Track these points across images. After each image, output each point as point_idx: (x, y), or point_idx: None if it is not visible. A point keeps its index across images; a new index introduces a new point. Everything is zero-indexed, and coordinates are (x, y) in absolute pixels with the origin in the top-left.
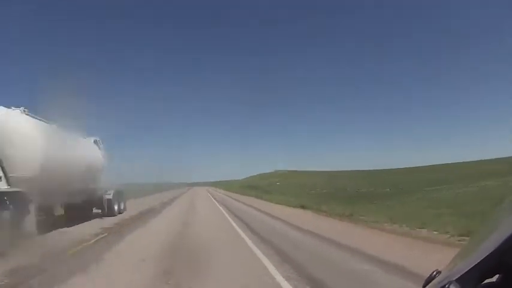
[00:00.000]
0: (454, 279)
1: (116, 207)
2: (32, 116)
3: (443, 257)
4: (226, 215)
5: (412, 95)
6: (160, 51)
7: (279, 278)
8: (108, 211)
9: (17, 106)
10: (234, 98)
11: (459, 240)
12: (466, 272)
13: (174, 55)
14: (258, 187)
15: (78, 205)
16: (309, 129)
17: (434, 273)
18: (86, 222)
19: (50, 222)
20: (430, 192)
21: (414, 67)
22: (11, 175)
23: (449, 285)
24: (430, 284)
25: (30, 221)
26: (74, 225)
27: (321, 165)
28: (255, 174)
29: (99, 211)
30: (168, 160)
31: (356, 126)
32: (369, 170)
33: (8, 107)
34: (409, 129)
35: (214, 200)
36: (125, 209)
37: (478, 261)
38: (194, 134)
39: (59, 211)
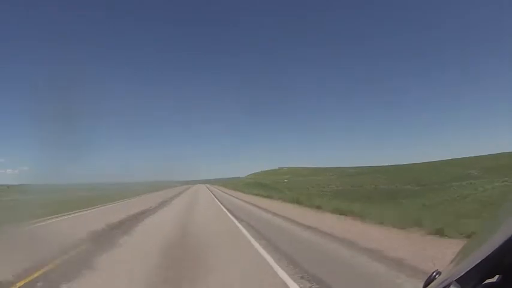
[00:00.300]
0: (454, 279)
1: None
2: None
3: None
4: None
5: (417, 89)
6: (161, 51)
7: None
8: None
9: None
10: (234, 95)
11: None
12: (466, 273)
13: (175, 54)
14: (266, 185)
15: None
16: (312, 127)
17: (435, 273)
18: None
19: None
20: (460, 188)
21: (421, 60)
22: None
23: (449, 286)
24: (430, 285)
25: None
26: None
27: (324, 163)
28: (258, 171)
29: None
30: (167, 159)
31: (358, 124)
32: (377, 166)
33: None
34: (416, 125)
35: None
36: None
37: (479, 261)
38: (194, 133)
39: None
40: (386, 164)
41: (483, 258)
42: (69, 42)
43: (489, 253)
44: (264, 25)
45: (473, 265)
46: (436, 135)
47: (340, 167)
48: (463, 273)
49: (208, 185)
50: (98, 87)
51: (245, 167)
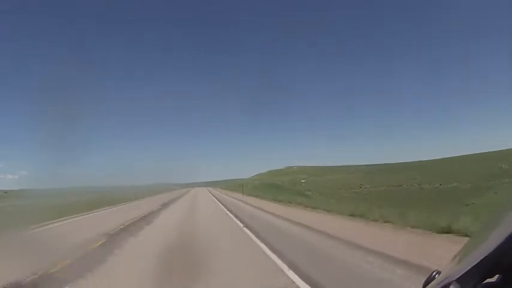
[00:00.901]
0: (454, 279)
1: None
2: None
3: None
4: None
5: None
6: (161, 51)
7: None
8: None
9: None
10: (234, 95)
11: None
12: (466, 272)
13: (175, 54)
14: (281, 187)
15: None
16: (315, 125)
17: (434, 273)
18: None
19: None
20: None
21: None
22: None
23: (449, 286)
24: (430, 284)
25: None
26: None
27: (327, 161)
28: (264, 171)
29: None
30: (166, 160)
31: (359, 122)
32: (387, 164)
33: None
34: (418, 123)
35: None
36: None
37: (478, 261)
38: (194, 133)
39: None
40: (394, 162)
41: (483, 257)
42: (68, 43)
43: (489, 252)
44: (264, 25)
45: (473, 265)
46: (436, 133)
47: (348, 165)
48: (462, 273)
49: (210, 188)
50: (97, 88)
51: (248, 167)
